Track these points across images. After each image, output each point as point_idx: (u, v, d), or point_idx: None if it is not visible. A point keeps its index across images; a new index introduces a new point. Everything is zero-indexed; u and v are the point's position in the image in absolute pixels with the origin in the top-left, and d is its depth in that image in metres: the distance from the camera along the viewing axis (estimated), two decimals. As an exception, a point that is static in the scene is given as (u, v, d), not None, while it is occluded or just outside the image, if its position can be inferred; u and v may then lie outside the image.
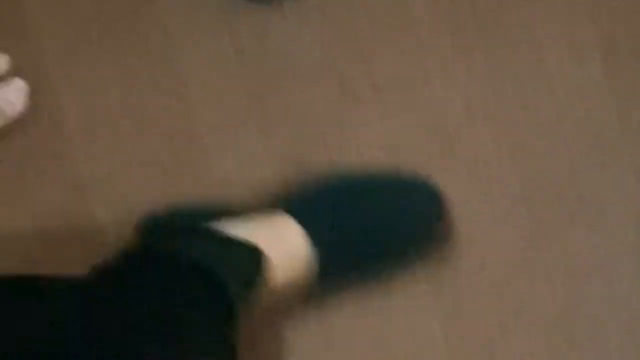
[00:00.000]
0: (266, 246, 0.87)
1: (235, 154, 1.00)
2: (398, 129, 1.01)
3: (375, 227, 0.93)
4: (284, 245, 0.89)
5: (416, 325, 1.00)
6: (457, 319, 1.00)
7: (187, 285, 0.79)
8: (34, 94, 0.98)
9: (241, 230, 0.88)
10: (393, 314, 0.99)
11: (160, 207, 0.97)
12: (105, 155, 1.00)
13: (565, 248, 1.01)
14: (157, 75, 1.01)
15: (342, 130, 1.01)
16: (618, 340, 1.01)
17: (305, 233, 0.90)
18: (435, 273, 0.99)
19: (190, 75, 1.01)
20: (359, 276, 0.96)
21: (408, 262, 0.97)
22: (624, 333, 1.01)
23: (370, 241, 0.93)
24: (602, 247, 1.01)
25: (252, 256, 0.86)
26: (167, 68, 1.01)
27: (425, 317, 1.00)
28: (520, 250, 1.01)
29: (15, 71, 0.98)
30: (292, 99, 1.01)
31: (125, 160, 1.00)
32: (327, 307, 0.98)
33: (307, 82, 1.01)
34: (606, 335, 1.01)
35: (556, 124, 1.02)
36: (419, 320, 1.00)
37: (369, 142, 1.01)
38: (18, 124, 0.97)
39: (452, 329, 1.00)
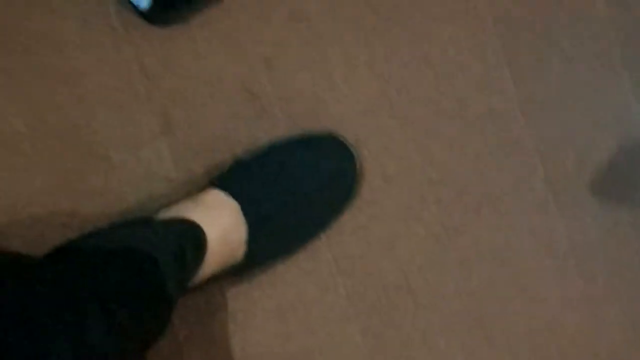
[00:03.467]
0: (201, 222, 0.87)
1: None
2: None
3: (297, 194, 0.95)
4: (219, 219, 0.90)
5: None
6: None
7: (117, 271, 0.78)
8: None
9: (174, 213, 0.88)
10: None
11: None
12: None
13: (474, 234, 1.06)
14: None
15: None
16: (526, 316, 1.08)
17: (238, 206, 0.91)
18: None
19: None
20: (286, 245, 0.97)
21: (326, 224, 1.00)
22: (530, 301, 1.07)
23: (294, 210, 0.95)
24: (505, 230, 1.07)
25: (191, 233, 0.86)
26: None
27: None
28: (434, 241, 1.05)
29: None
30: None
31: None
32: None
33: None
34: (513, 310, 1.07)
35: (460, 111, 1.05)
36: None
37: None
38: None
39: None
